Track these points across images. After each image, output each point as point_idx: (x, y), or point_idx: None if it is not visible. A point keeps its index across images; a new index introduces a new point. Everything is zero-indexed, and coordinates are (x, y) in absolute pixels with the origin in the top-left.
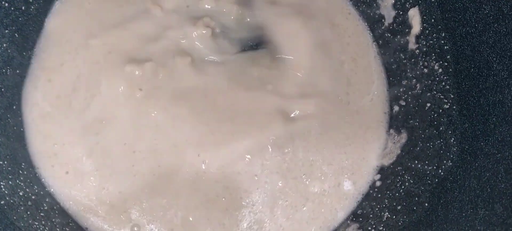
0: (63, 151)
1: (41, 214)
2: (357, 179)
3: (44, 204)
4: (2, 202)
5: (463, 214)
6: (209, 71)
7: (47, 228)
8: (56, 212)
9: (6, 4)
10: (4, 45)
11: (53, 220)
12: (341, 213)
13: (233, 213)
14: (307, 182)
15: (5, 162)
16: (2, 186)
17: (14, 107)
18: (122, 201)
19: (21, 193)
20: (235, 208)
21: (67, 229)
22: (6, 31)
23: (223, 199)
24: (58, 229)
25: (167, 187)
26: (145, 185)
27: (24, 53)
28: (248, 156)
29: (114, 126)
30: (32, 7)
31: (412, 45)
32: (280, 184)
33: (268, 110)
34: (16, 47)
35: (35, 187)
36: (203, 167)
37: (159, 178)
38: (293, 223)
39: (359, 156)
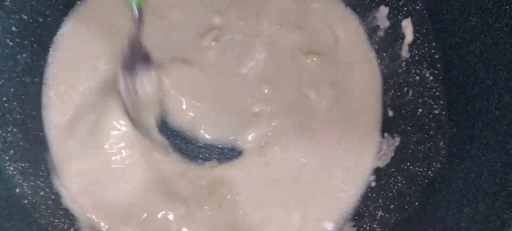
0: (80, 154)
1: (61, 212)
2: (353, 179)
3: (63, 203)
4: (26, 202)
5: (450, 213)
6: None
7: (66, 224)
8: (71, 210)
9: (25, 17)
10: (24, 55)
11: (71, 217)
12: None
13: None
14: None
15: (27, 165)
16: (25, 187)
17: (34, 113)
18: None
19: (42, 193)
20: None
21: (85, 226)
22: (25, 42)
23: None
24: (76, 226)
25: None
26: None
27: (42, 62)
28: None
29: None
30: (49, 19)
31: (405, 53)
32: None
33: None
34: (35, 57)
35: (54, 187)
36: None
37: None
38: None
39: (356, 158)
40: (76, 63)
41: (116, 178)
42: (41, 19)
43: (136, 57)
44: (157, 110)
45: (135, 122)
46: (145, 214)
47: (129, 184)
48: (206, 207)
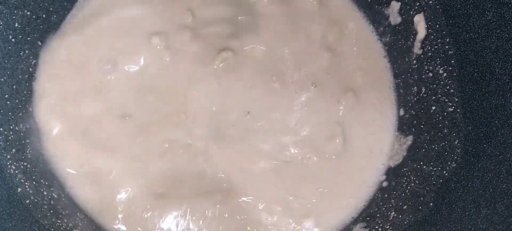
0: (82, 154)
1: (63, 212)
2: (365, 180)
3: (66, 203)
4: (28, 201)
5: (466, 213)
6: None
7: (69, 225)
8: (77, 211)
9: (29, 13)
10: (27, 52)
11: (74, 218)
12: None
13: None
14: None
15: (29, 164)
16: (27, 187)
17: (28, 107)
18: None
19: (44, 193)
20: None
21: (86, 227)
22: (29, 38)
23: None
24: (79, 226)
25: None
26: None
27: (46, 59)
28: None
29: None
30: (53, 16)
31: (417, 50)
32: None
33: None
34: (39, 53)
35: (57, 187)
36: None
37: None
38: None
39: (367, 157)
40: (81, 60)
41: None
42: (44, 15)
43: None
44: None
45: None
46: None
47: None
48: None
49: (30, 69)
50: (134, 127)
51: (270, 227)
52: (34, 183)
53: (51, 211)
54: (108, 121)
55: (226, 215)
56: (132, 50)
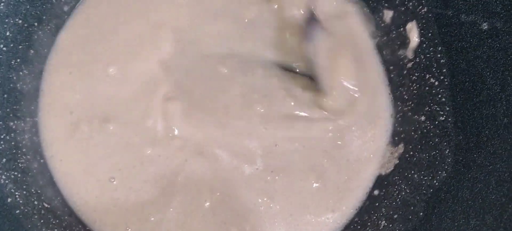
0: (76, 162)
1: (53, 222)
2: (355, 188)
3: (57, 212)
4: (18, 212)
5: (456, 224)
6: None
7: None
8: (67, 220)
9: (20, 21)
10: (18, 60)
11: (65, 227)
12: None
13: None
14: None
15: (20, 174)
16: (17, 196)
17: (29, 120)
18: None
19: (35, 202)
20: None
21: None
22: (20, 47)
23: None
24: None
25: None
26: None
27: (38, 68)
28: None
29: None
30: (45, 24)
31: (409, 58)
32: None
33: None
34: (31, 62)
35: (48, 197)
36: None
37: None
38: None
39: (358, 166)
40: (73, 69)
41: None
42: (36, 24)
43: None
44: None
45: None
46: None
47: None
48: None
49: (22, 78)
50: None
51: None
52: (24, 192)
53: (42, 221)
54: (103, 127)
55: None
56: None
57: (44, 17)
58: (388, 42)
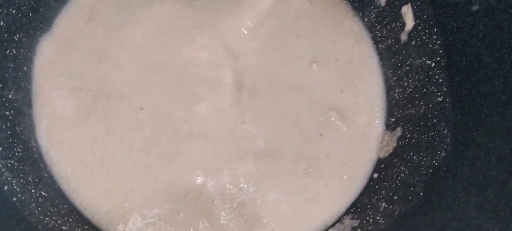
0: (74, 150)
1: (51, 209)
2: (355, 172)
3: (55, 201)
4: (14, 199)
5: (456, 202)
6: None
7: (57, 223)
8: (65, 208)
9: (14, 11)
10: (14, 50)
11: (63, 215)
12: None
13: None
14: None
15: (16, 162)
16: (14, 184)
17: (24, 108)
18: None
19: (32, 190)
20: None
21: (76, 223)
22: (15, 37)
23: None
24: (68, 224)
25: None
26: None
27: (33, 57)
28: None
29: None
30: (39, 13)
31: (405, 41)
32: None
33: None
34: (26, 51)
35: (45, 185)
36: None
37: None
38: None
39: (357, 150)
40: (68, 57)
41: None
42: (31, 14)
43: None
44: None
45: None
46: None
47: None
48: None
49: (17, 67)
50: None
51: (263, 220)
52: (21, 181)
53: (39, 209)
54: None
55: None
56: None
57: (39, 6)
58: (383, 25)
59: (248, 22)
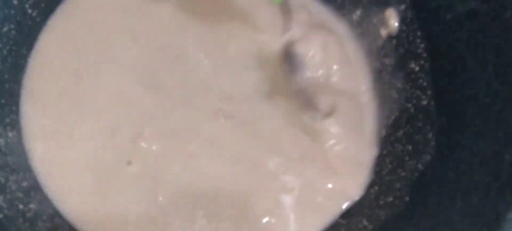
0: (62, 164)
1: (40, 224)
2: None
3: (43, 216)
4: (1, 216)
5: (441, 206)
6: None
7: None
8: (55, 222)
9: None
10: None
11: (53, 230)
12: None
13: None
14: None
15: (3, 177)
16: (0, 200)
17: (13, 120)
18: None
19: (20, 207)
20: None
21: None
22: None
23: None
24: None
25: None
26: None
27: (22, 68)
28: None
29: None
30: (27, 25)
31: (388, 45)
32: None
33: None
34: (15, 60)
35: (34, 199)
36: None
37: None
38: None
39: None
40: (57, 68)
41: None
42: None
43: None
44: None
45: None
46: None
47: None
48: None
49: (5, 80)
50: None
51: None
52: (8, 196)
53: (27, 224)
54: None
55: None
56: None
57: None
58: (366, 31)
59: None
